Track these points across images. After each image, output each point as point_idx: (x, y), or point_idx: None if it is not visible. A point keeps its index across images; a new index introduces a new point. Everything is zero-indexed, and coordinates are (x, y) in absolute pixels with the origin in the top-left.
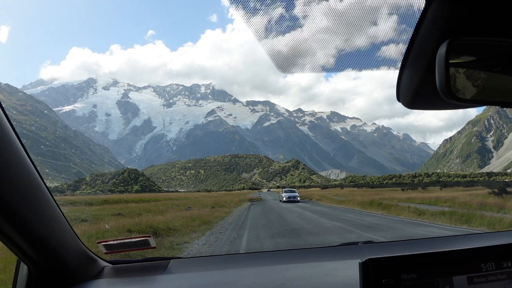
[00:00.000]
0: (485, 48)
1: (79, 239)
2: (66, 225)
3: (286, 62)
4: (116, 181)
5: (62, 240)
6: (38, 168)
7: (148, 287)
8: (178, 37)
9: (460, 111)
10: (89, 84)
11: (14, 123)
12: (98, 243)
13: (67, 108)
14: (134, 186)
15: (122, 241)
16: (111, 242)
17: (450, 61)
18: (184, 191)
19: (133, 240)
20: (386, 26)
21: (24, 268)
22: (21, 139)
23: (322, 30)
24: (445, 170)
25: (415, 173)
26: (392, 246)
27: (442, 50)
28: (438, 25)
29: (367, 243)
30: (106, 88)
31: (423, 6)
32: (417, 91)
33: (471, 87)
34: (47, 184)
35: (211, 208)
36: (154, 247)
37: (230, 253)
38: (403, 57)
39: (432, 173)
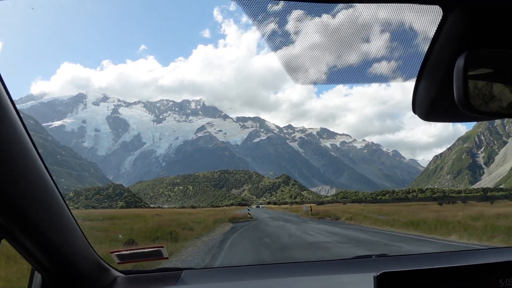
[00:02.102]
0: (503, 60)
1: (93, 249)
2: (80, 235)
3: (278, 78)
4: (100, 197)
5: (76, 249)
6: (53, 177)
7: None
8: (170, 52)
9: (450, 128)
10: (79, 99)
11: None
12: (111, 253)
13: (56, 123)
14: (119, 202)
15: (135, 251)
16: (124, 252)
17: (470, 73)
18: (167, 207)
19: (146, 250)
20: (377, 43)
21: (38, 277)
22: (37, 148)
23: (314, 46)
24: (435, 186)
25: (409, 189)
26: (406, 260)
27: (460, 62)
28: (455, 37)
29: (380, 256)
30: (96, 103)
31: (440, 18)
32: (433, 103)
33: (489, 99)
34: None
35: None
36: (167, 258)
37: (243, 265)
38: (419, 69)
39: (426, 189)
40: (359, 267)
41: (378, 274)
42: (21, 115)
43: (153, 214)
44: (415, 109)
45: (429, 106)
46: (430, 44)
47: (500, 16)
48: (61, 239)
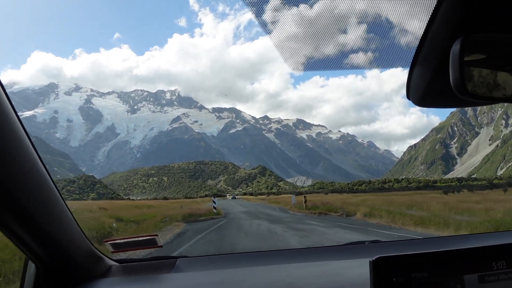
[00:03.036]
0: (500, 45)
1: (87, 238)
2: (74, 224)
3: (255, 68)
4: (71, 188)
5: (70, 239)
6: (47, 166)
7: (156, 285)
8: (145, 41)
9: (425, 119)
10: (51, 89)
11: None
12: (104, 241)
13: (27, 113)
14: (90, 193)
15: (129, 239)
16: (118, 241)
17: (466, 58)
18: (136, 199)
19: (140, 238)
20: (355, 34)
21: (32, 266)
22: (30, 137)
23: (291, 37)
24: (410, 176)
25: (385, 179)
26: (398, 245)
27: (456, 47)
28: (450, 22)
29: (374, 242)
30: (68, 93)
31: (435, 3)
32: (428, 89)
33: (485, 84)
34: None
35: None
36: (161, 246)
37: (237, 252)
38: (414, 55)
39: (402, 179)
40: (353, 253)
41: (374, 258)
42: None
43: (99, 208)
44: (409, 95)
45: (424, 91)
46: (425, 29)
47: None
48: (55, 228)
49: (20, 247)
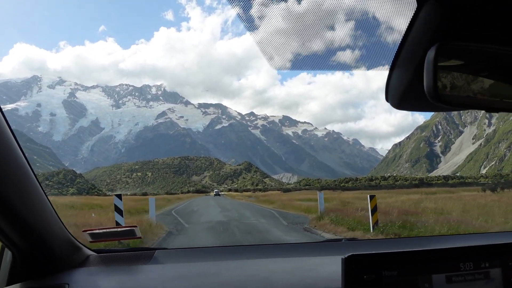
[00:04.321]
0: (474, 54)
1: (65, 227)
2: (52, 213)
3: (242, 64)
4: (50, 183)
5: (47, 227)
6: (26, 154)
7: (132, 276)
8: (132, 34)
9: (409, 118)
10: (34, 81)
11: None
12: (83, 231)
13: (9, 106)
14: (70, 188)
15: (107, 230)
16: (97, 231)
17: (440, 65)
18: (111, 194)
19: (119, 229)
20: (343, 31)
21: (8, 254)
22: (10, 125)
23: (278, 32)
24: (394, 174)
25: (372, 176)
26: (374, 244)
27: (431, 53)
28: (428, 29)
29: (350, 240)
30: (51, 86)
31: (415, 8)
32: (405, 92)
33: (458, 91)
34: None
35: None
36: (140, 237)
37: (215, 246)
38: (393, 58)
39: (389, 176)
40: (329, 250)
41: (346, 256)
42: None
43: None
44: (388, 97)
45: (402, 95)
46: (404, 34)
47: (473, 10)
48: (33, 216)
49: None
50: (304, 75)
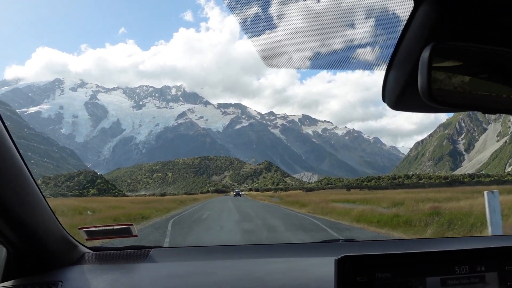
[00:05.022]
0: (469, 55)
1: (61, 225)
2: (47, 210)
3: (261, 63)
4: (71, 184)
5: (43, 224)
6: (20, 151)
7: (128, 274)
8: (151, 35)
9: (432, 115)
10: (56, 85)
11: None
12: (79, 229)
13: (32, 109)
14: (91, 189)
15: (103, 228)
16: (93, 229)
17: (435, 65)
18: (131, 195)
19: (115, 227)
20: (362, 29)
21: (3, 251)
22: (5, 122)
23: (298, 31)
24: (417, 172)
25: (394, 175)
26: (372, 245)
27: (425, 53)
28: (425, 29)
29: (348, 241)
30: (73, 89)
31: (411, 8)
32: (402, 93)
33: (454, 91)
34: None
35: None
36: (136, 236)
37: (211, 245)
38: (390, 59)
39: (412, 175)
40: (326, 251)
41: (339, 257)
42: None
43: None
44: (384, 98)
45: (398, 95)
46: (400, 34)
47: (470, 10)
48: (27, 214)
49: None
50: (324, 74)
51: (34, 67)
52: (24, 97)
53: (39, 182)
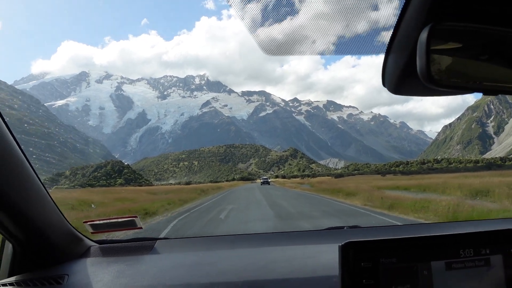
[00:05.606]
0: (470, 35)
1: (65, 219)
2: (51, 205)
3: (284, 50)
4: (98, 174)
5: (47, 219)
6: (22, 147)
7: (134, 266)
8: (173, 25)
9: (459, 98)
10: (82, 77)
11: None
12: (84, 222)
13: (60, 102)
14: (118, 179)
15: (108, 221)
16: (97, 222)
17: (434, 47)
18: (160, 184)
19: (120, 220)
20: (387, 11)
21: (9, 246)
22: (4, 118)
23: (320, 15)
24: (445, 157)
25: (423, 159)
26: (376, 231)
27: (423, 35)
28: (423, 9)
29: (352, 227)
30: (99, 81)
31: None
32: (402, 76)
33: (454, 73)
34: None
35: None
36: (141, 228)
37: (215, 235)
38: (389, 41)
39: (442, 159)
40: (331, 238)
41: (343, 243)
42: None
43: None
44: (384, 83)
45: (398, 79)
46: (399, 15)
47: None
48: (32, 208)
49: None
50: (348, 58)
51: (60, 61)
52: (51, 90)
53: (67, 173)
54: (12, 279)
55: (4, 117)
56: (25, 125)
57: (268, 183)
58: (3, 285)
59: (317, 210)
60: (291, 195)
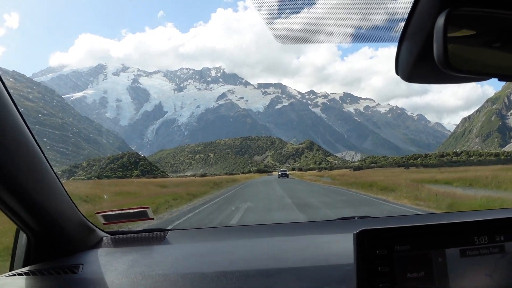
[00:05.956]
0: (486, 21)
1: (78, 210)
2: (65, 196)
3: (299, 40)
4: (114, 165)
5: (61, 210)
6: (36, 137)
7: (148, 256)
8: (189, 17)
9: (479, 90)
10: (99, 70)
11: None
12: (96, 213)
13: (77, 94)
14: (134, 171)
15: (120, 212)
16: (110, 213)
17: (450, 33)
18: (176, 176)
19: (132, 211)
20: (405, 0)
21: (23, 237)
22: (19, 108)
23: (337, 6)
24: (464, 149)
25: (442, 152)
26: (387, 221)
27: (440, 21)
28: None
29: (363, 217)
30: (116, 73)
31: None
32: (416, 64)
33: (470, 58)
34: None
35: None
36: (152, 218)
37: (226, 225)
38: (403, 29)
39: (461, 152)
40: (342, 228)
41: (358, 231)
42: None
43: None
44: (397, 71)
45: (412, 67)
46: (413, 2)
47: None
48: (46, 199)
49: (11, 217)
50: (366, 49)
51: (77, 53)
52: (69, 83)
53: (83, 164)
54: (27, 268)
55: (19, 108)
56: (40, 115)
57: (286, 175)
58: (19, 274)
59: (366, 214)
60: (317, 190)
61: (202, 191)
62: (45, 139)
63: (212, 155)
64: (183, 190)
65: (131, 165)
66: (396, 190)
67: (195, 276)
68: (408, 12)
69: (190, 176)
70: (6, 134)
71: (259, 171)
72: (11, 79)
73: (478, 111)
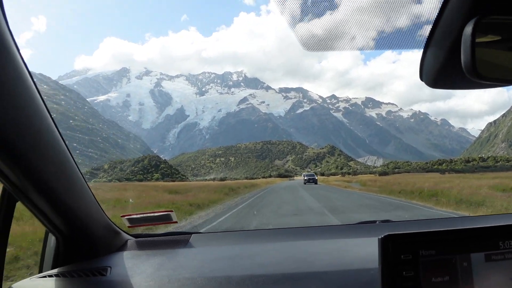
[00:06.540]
0: None
1: (104, 213)
2: (92, 199)
3: (322, 46)
4: (135, 168)
5: (89, 213)
6: (66, 142)
7: (171, 260)
8: (212, 21)
9: (505, 94)
10: (123, 73)
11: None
12: (122, 216)
13: (101, 97)
14: (155, 174)
15: (145, 215)
16: (134, 216)
17: (478, 40)
18: (196, 179)
19: (156, 214)
20: (429, 4)
21: (52, 239)
22: (51, 113)
23: (360, 10)
24: (490, 155)
25: (468, 157)
26: (409, 225)
27: (468, 28)
28: (465, 3)
29: (384, 221)
30: (139, 77)
31: None
32: (441, 70)
33: (497, 66)
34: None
35: None
36: (176, 222)
37: (249, 229)
38: (428, 35)
39: (488, 157)
40: (364, 232)
41: (382, 236)
42: (68, 88)
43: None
44: (422, 76)
45: (437, 73)
46: (439, 9)
47: None
48: (75, 202)
49: (41, 219)
50: (389, 54)
51: (102, 57)
52: (94, 86)
53: (105, 166)
54: (56, 270)
55: (51, 113)
56: (70, 121)
57: (315, 181)
58: (49, 276)
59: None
60: (359, 200)
61: (214, 199)
62: (74, 144)
63: (232, 159)
64: (191, 197)
65: (151, 168)
66: (484, 203)
67: (222, 280)
68: (435, 17)
69: (209, 180)
70: (41, 138)
71: (280, 176)
72: (44, 86)
73: (504, 115)
